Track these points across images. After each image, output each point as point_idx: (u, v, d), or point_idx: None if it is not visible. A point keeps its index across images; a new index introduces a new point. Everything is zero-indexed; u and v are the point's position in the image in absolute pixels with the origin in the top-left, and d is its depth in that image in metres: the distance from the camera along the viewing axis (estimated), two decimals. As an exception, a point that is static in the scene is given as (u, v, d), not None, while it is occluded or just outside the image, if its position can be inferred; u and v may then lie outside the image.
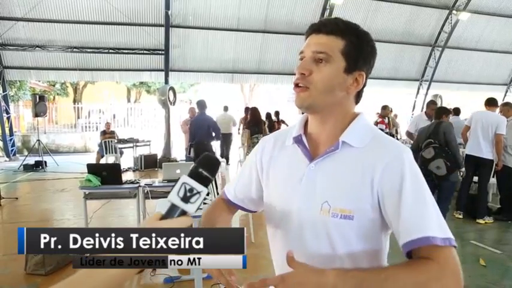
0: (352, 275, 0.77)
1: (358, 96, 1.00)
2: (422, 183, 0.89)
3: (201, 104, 6.82)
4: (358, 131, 0.95)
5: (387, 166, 0.88)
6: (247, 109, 10.29)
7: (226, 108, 10.73)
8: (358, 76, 0.96)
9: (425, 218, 0.85)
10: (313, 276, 0.76)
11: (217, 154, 9.40)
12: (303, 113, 1.04)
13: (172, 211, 0.73)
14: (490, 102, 5.29)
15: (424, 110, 6.18)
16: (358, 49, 0.94)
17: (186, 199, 0.72)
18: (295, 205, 0.96)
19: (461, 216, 5.35)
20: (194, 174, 0.75)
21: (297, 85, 0.94)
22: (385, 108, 7.55)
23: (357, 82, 0.96)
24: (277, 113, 10.93)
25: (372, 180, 0.89)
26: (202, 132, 6.42)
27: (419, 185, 0.88)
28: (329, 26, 0.94)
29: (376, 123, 7.21)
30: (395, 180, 0.87)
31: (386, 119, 7.42)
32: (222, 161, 5.88)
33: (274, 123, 10.09)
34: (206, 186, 0.74)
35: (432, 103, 5.94)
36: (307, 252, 0.94)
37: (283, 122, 10.96)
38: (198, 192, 0.73)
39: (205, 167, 0.77)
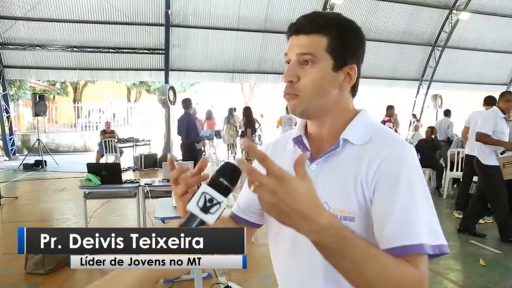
0: (343, 236, 0.70)
1: (353, 89, 0.95)
2: (419, 183, 0.82)
3: (185, 103, 6.63)
4: (359, 128, 0.90)
5: (382, 162, 0.82)
6: (231, 110, 11.65)
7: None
8: (350, 70, 0.90)
9: (418, 223, 0.78)
10: (309, 206, 0.67)
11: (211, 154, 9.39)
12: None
13: (190, 221, 0.71)
14: (487, 101, 5.26)
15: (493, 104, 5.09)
16: (343, 43, 0.88)
17: (205, 209, 0.70)
18: None
19: (460, 216, 5.34)
20: (214, 184, 0.72)
21: (287, 93, 0.90)
22: (391, 108, 7.66)
23: (349, 76, 0.90)
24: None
25: (366, 176, 0.83)
26: (182, 133, 6.41)
27: (415, 186, 0.81)
28: (308, 25, 0.88)
29: (384, 122, 7.32)
30: (389, 177, 0.81)
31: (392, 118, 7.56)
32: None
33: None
34: (226, 196, 0.72)
35: (509, 94, 4.75)
36: (307, 257, 0.89)
37: (256, 120, 11.75)
38: (218, 203, 0.71)
39: (226, 176, 0.73)
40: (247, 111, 7.60)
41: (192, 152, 6.47)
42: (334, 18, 0.90)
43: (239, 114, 12.24)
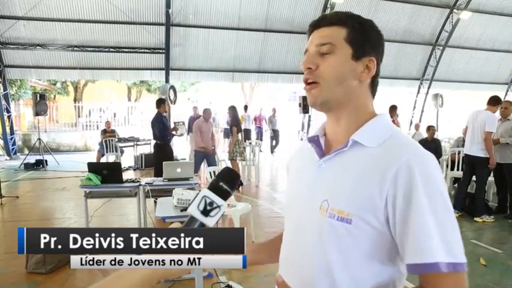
0: None
1: (372, 86, 0.94)
2: (438, 194, 0.78)
3: (156, 103, 6.57)
4: (372, 130, 0.88)
5: (398, 172, 0.79)
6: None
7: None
8: (369, 62, 0.90)
9: (433, 238, 0.75)
10: None
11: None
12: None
13: (191, 224, 0.72)
14: (489, 101, 5.23)
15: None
16: (363, 34, 0.90)
17: (206, 212, 0.72)
18: (297, 201, 0.95)
19: (456, 215, 5.34)
20: (214, 188, 0.75)
21: (306, 82, 0.90)
22: (394, 108, 7.64)
23: (368, 69, 0.90)
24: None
25: (380, 185, 0.80)
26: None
27: (433, 197, 0.77)
28: (328, 18, 0.92)
29: None
30: (406, 189, 0.78)
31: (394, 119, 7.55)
32: None
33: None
34: (226, 200, 0.74)
35: None
36: (300, 250, 0.92)
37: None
38: (218, 206, 0.73)
39: (225, 180, 0.76)
40: (233, 111, 7.53)
41: (161, 151, 6.35)
42: (354, 14, 0.93)
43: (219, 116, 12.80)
